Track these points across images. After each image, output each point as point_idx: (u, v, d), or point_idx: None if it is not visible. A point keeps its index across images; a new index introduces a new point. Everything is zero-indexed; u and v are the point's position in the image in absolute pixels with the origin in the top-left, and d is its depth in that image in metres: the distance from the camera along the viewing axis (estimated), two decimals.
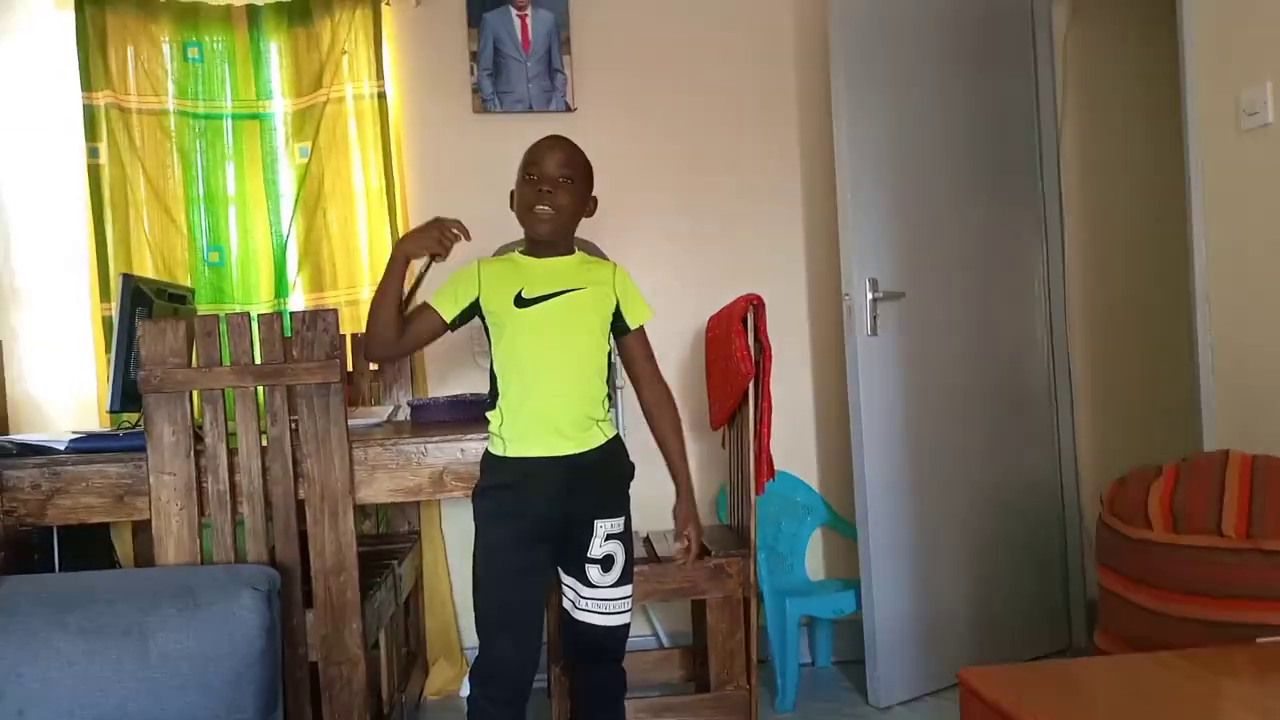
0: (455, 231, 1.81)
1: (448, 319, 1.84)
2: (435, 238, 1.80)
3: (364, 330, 1.90)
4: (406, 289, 1.89)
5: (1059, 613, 2.96)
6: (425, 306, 1.85)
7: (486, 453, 1.86)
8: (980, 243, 2.85)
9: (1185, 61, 2.28)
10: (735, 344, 2.34)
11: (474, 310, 1.84)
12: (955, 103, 2.80)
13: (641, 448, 2.00)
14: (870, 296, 2.56)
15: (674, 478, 1.95)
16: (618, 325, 1.89)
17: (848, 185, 2.58)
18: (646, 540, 2.46)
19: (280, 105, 2.88)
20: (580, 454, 1.80)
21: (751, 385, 2.32)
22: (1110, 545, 1.91)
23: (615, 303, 1.87)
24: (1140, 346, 3.05)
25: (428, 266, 1.88)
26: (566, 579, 1.87)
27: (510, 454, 1.80)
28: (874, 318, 2.57)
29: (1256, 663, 1.49)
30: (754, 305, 2.33)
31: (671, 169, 3.02)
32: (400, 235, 2.70)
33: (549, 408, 1.79)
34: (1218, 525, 1.70)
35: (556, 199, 1.78)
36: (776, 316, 2.52)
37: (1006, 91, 2.94)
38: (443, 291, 1.84)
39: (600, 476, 1.83)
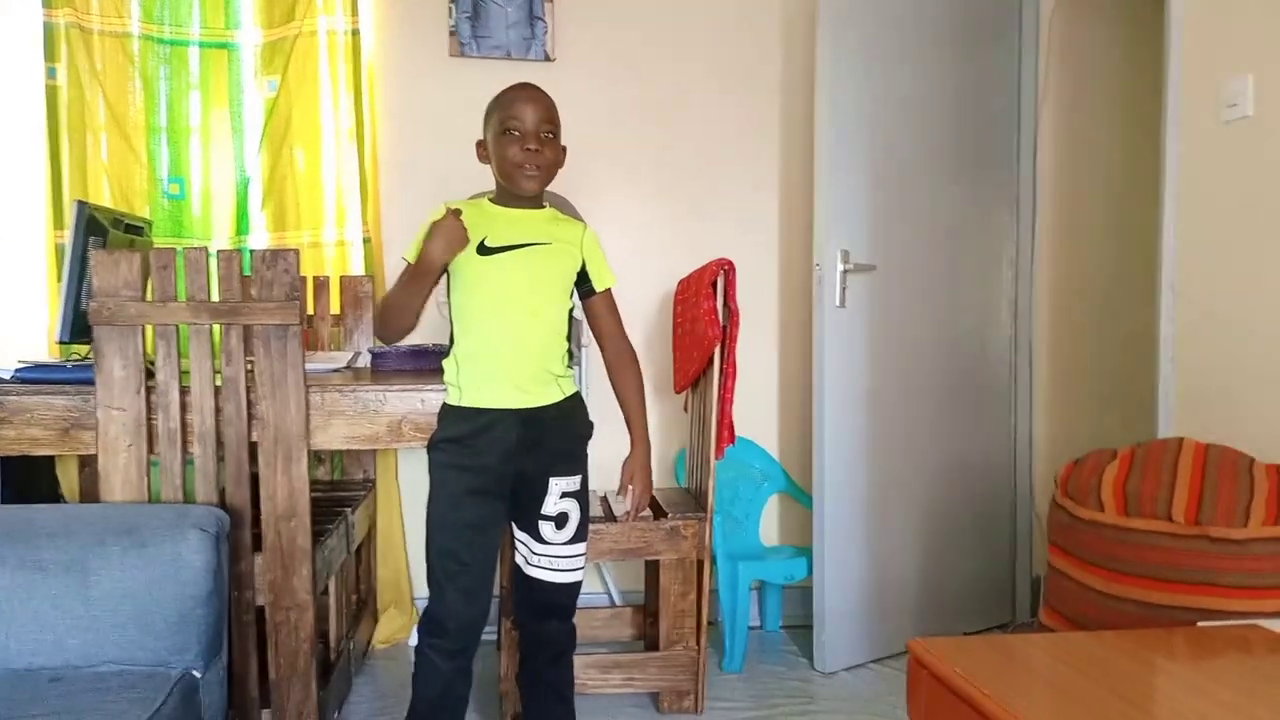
0: (460, 220, 1.73)
1: (408, 256, 1.79)
2: (460, 235, 1.71)
3: (379, 317, 1.82)
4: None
5: (1005, 589, 3.01)
6: (406, 265, 1.78)
7: (443, 404, 1.83)
8: (953, 221, 2.85)
9: (1169, 50, 2.28)
10: (703, 307, 2.32)
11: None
12: (938, 80, 2.78)
13: (602, 407, 1.98)
14: (841, 268, 2.55)
15: (630, 430, 1.94)
16: (584, 287, 1.87)
17: (825, 154, 2.56)
18: (604, 500, 2.45)
19: (250, 35, 2.79)
20: (536, 408, 1.78)
21: (717, 350, 2.31)
22: (1061, 525, 1.93)
23: (581, 263, 1.84)
24: (1103, 333, 3.08)
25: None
26: (520, 534, 1.86)
27: (465, 403, 1.78)
28: (843, 289, 2.56)
29: (1197, 645, 1.52)
30: (725, 270, 2.31)
31: (649, 127, 2.97)
32: (365, 215, 2.70)
33: (504, 359, 1.77)
34: (1168, 511, 1.73)
35: (543, 155, 1.75)
36: (746, 283, 2.51)
37: (989, 72, 2.92)
38: (416, 243, 1.79)
39: (556, 433, 1.82)
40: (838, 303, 2.56)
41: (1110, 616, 1.76)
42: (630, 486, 1.96)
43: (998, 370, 2.98)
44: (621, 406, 1.94)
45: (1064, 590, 1.90)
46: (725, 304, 2.31)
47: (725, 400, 2.34)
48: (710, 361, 2.34)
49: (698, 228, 2.98)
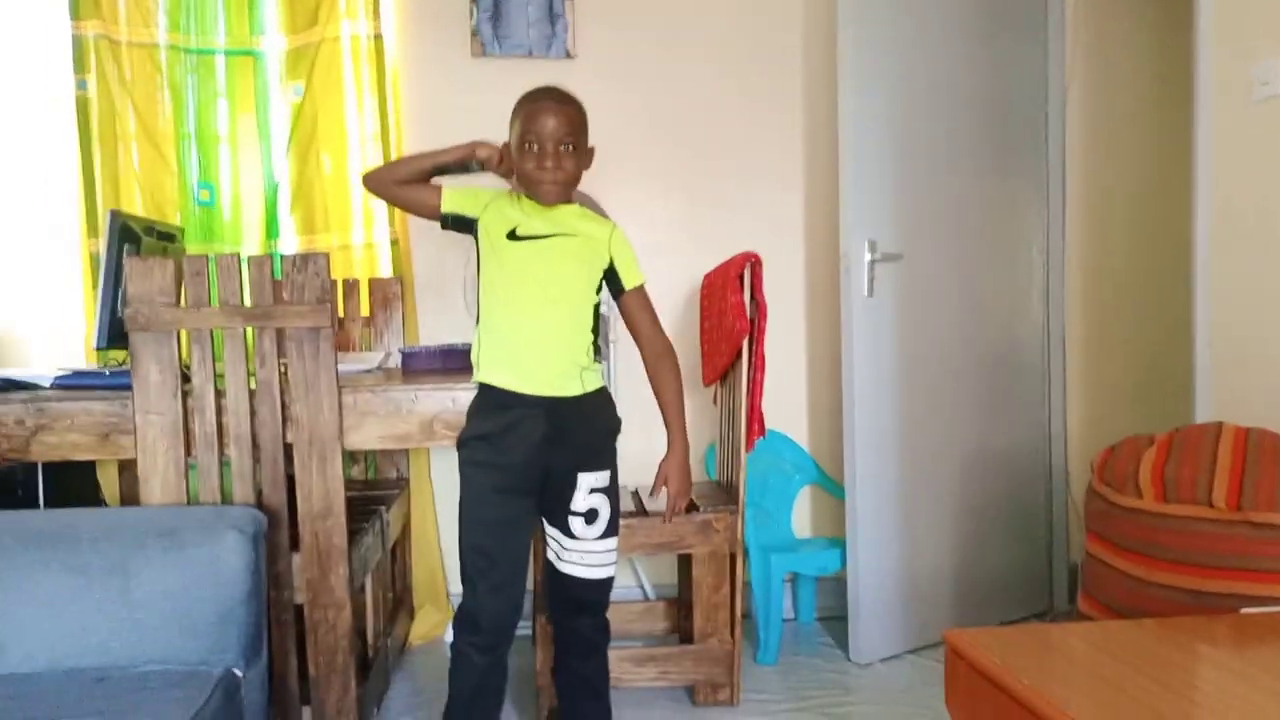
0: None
1: (443, 208, 1.82)
2: (500, 153, 1.81)
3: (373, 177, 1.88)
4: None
5: (1041, 577, 2.98)
6: (435, 186, 1.83)
7: (471, 402, 1.85)
8: (981, 208, 2.82)
9: (1199, 29, 2.24)
10: (731, 301, 2.32)
11: (466, 225, 1.83)
12: (963, 67, 2.75)
13: (632, 401, 1.98)
14: (868, 258, 2.54)
15: (668, 430, 1.93)
16: (614, 285, 1.87)
17: (850, 145, 2.54)
18: (635, 494, 2.45)
19: (274, 42, 2.82)
20: (560, 399, 1.78)
21: (745, 343, 2.30)
22: (1099, 512, 1.91)
23: (609, 260, 1.85)
24: (1136, 318, 3.04)
25: (469, 169, 1.85)
26: (550, 530, 1.86)
27: (483, 379, 1.80)
28: (871, 279, 2.55)
29: (1239, 632, 1.50)
30: (751, 263, 2.30)
31: (671, 121, 2.97)
32: None
33: (524, 341, 1.78)
34: (1208, 496, 1.70)
35: (561, 170, 1.76)
36: (773, 275, 2.50)
37: (1015, 57, 2.89)
38: (457, 189, 1.83)
39: (583, 429, 1.82)
40: (866, 293, 2.54)
41: (1150, 604, 1.74)
42: (665, 487, 1.96)
43: (1029, 358, 2.95)
44: (660, 406, 1.93)
45: (1102, 578, 1.88)
46: (752, 297, 2.30)
47: (755, 393, 2.34)
48: (739, 355, 2.34)
49: (723, 222, 2.97)
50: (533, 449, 1.78)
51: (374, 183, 1.86)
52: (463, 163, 1.83)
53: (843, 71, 2.54)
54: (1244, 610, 1.58)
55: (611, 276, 1.86)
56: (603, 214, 2.11)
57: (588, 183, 2.08)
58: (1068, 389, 3.01)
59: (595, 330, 1.85)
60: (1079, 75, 2.99)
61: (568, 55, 2.89)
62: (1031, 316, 2.95)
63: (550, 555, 1.88)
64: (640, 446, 2.00)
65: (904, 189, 2.64)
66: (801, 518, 3.06)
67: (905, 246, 2.61)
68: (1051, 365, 2.98)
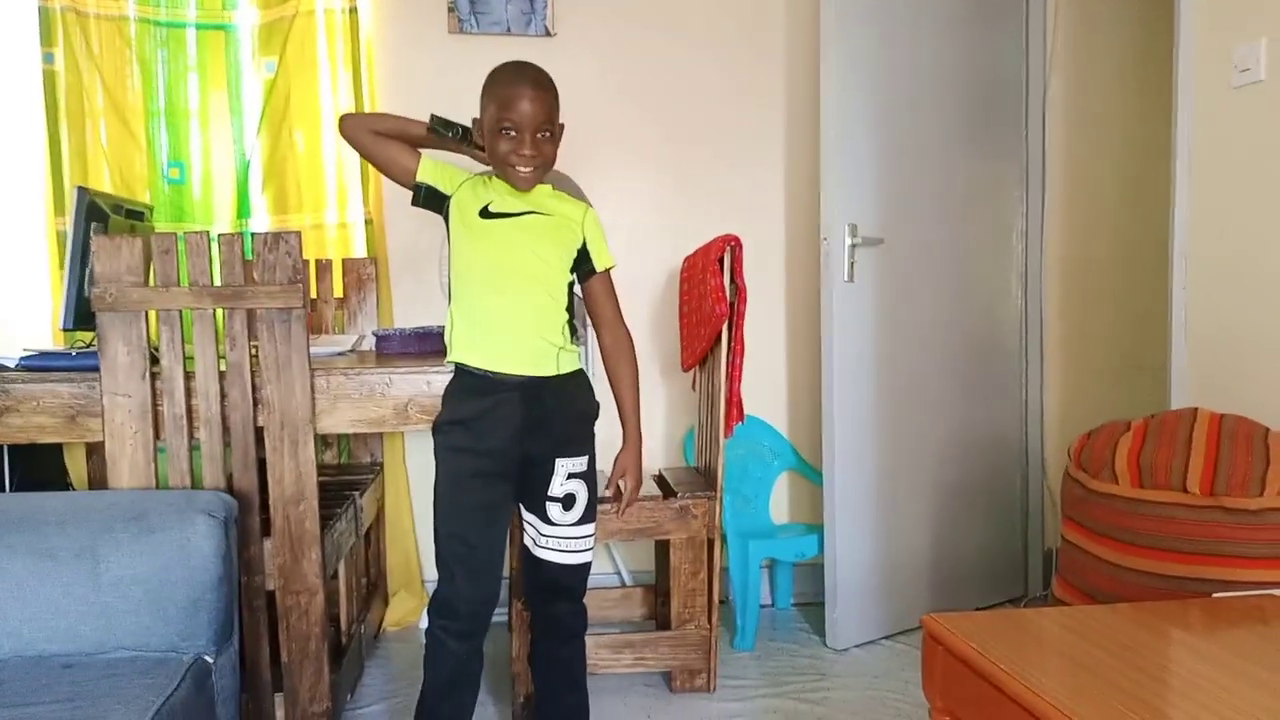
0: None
1: (419, 177, 1.78)
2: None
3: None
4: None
5: (1016, 562, 3.00)
6: (415, 151, 1.80)
7: (446, 387, 1.82)
8: (961, 193, 2.82)
9: (1180, 14, 2.24)
10: (710, 284, 2.30)
11: (438, 200, 1.79)
12: (945, 50, 2.74)
13: (609, 388, 1.96)
14: (849, 242, 2.53)
15: (623, 425, 1.92)
16: (583, 268, 1.85)
17: (832, 128, 2.53)
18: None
19: (247, 16, 2.76)
20: (536, 379, 1.76)
21: (725, 327, 2.29)
22: (1075, 498, 1.92)
23: (581, 241, 1.82)
24: (1114, 304, 3.05)
25: (453, 136, 1.81)
26: (527, 516, 1.85)
27: (460, 360, 1.77)
28: (851, 264, 2.54)
29: (1212, 616, 1.51)
30: (731, 246, 2.29)
31: (651, 102, 2.94)
32: None
33: (498, 318, 1.76)
34: (1183, 482, 1.71)
35: (539, 155, 1.73)
36: (753, 259, 2.49)
37: (997, 42, 2.88)
38: (435, 161, 1.80)
39: (561, 414, 1.80)
40: (846, 277, 2.54)
41: (1124, 589, 1.75)
42: (620, 482, 1.94)
43: (1008, 343, 2.96)
44: (616, 399, 1.91)
45: (1077, 563, 1.89)
46: (732, 280, 2.29)
47: (734, 378, 2.33)
48: (718, 339, 2.32)
49: (703, 203, 2.95)
50: (510, 434, 1.76)
51: (351, 128, 1.81)
52: (439, 143, 1.80)
53: (825, 53, 2.52)
54: (1216, 595, 1.59)
55: (582, 258, 1.84)
56: (581, 196, 2.08)
57: (565, 163, 2.06)
58: (1045, 374, 3.02)
59: (570, 310, 1.83)
60: (1060, 60, 2.99)
61: (547, 33, 2.85)
62: (1011, 302, 2.96)
63: (527, 541, 1.87)
64: (619, 431, 1.98)
65: (885, 173, 2.63)
66: (779, 504, 3.06)
67: (886, 231, 2.61)
68: (1029, 350, 2.99)
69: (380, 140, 1.79)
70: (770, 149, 3.00)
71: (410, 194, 1.81)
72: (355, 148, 1.84)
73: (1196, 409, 1.86)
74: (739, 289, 2.29)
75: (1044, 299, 3.01)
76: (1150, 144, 2.90)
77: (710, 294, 2.30)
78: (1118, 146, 3.03)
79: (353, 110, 2.73)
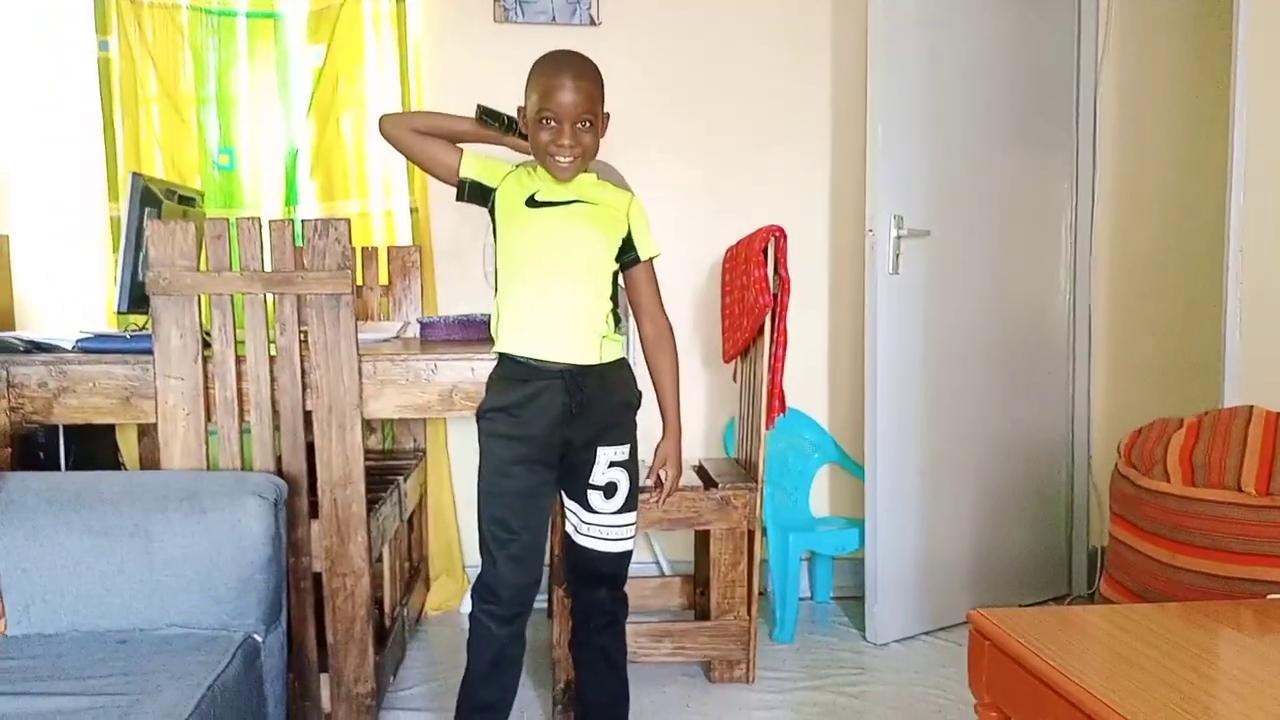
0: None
1: (461, 172, 1.80)
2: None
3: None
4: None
5: (1061, 561, 2.96)
6: (457, 148, 1.81)
7: (490, 373, 1.83)
8: (1009, 185, 2.77)
9: (1238, 7, 2.18)
10: (754, 275, 2.29)
11: (481, 194, 1.80)
12: (994, 40, 2.70)
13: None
14: (895, 234, 2.50)
15: (662, 414, 1.92)
16: (626, 256, 1.85)
17: (878, 118, 2.50)
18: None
19: (295, 4, 2.79)
20: (579, 367, 1.76)
21: (768, 319, 2.28)
22: (1124, 495, 1.89)
23: (627, 229, 1.82)
24: (1164, 300, 2.99)
25: (500, 125, 1.82)
26: (569, 503, 1.86)
27: (506, 350, 1.78)
28: (897, 255, 2.51)
29: (1265, 616, 1.48)
30: (775, 237, 2.28)
31: (696, 91, 2.93)
32: None
33: (543, 306, 1.76)
34: (1237, 481, 1.68)
35: (579, 146, 1.73)
36: (797, 250, 2.46)
37: (1047, 30, 2.83)
38: (479, 156, 1.80)
39: (603, 402, 1.80)
40: (891, 270, 2.51)
41: (1174, 588, 1.72)
42: (661, 472, 1.94)
43: (1055, 338, 2.92)
44: (656, 389, 1.91)
45: (1126, 561, 1.86)
46: (776, 271, 2.28)
47: (776, 370, 2.32)
48: (760, 330, 2.31)
49: (747, 194, 2.93)
50: (553, 421, 1.76)
51: (391, 126, 1.83)
52: (480, 136, 1.81)
53: (873, 43, 2.50)
54: (1271, 596, 1.56)
55: (627, 246, 1.84)
56: (625, 185, 2.08)
57: (610, 152, 2.06)
58: (1093, 370, 2.97)
59: (615, 299, 1.84)
60: (1113, 51, 2.93)
61: (592, 22, 2.85)
62: (1058, 296, 2.92)
63: (569, 528, 1.88)
64: (659, 421, 1.98)
65: (932, 164, 2.60)
66: (820, 497, 3.04)
67: (932, 222, 2.58)
68: (1077, 345, 2.95)
69: (421, 138, 1.80)
70: (815, 139, 2.98)
71: (454, 189, 1.82)
72: (396, 147, 1.85)
73: (1252, 407, 1.82)
74: (783, 280, 2.28)
75: (1092, 293, 2.96)
76: (1204, 136, 2.83)
77: (754, 285, 2.30)
78: (1171, 139, 2.97)
79: (399, 102, 2.76)
